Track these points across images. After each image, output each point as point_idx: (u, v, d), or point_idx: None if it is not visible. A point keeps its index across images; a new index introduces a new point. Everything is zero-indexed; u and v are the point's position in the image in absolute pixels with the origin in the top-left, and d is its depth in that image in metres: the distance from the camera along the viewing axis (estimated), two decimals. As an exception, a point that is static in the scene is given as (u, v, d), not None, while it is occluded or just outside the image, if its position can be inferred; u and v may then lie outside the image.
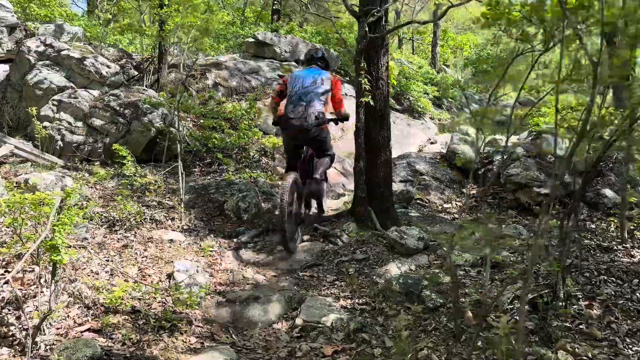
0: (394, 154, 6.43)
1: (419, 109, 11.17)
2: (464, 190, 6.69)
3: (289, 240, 4.20)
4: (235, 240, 4.60)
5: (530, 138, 6.74)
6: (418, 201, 6.21)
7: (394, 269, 3.90)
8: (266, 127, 7.99)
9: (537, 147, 5.97)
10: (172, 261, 3.84)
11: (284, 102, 4.64)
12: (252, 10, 18.42)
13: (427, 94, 12.25)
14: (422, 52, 19.97)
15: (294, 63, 10.33)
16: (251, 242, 4.61)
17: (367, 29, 4.59)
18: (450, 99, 12.99)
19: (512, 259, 3.80)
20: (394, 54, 16.12)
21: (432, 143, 8.73)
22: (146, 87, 7.75)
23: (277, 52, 10.28)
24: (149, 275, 3.62)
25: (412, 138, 9.72)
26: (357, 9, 4.87)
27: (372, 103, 4.63)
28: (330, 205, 6.11)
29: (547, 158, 5.80)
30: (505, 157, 6.68)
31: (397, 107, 11.30)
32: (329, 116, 4.59)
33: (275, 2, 14.30)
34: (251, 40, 10.46)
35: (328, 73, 4.72)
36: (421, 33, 19.34)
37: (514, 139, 9.64)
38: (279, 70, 9.82)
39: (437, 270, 3.77)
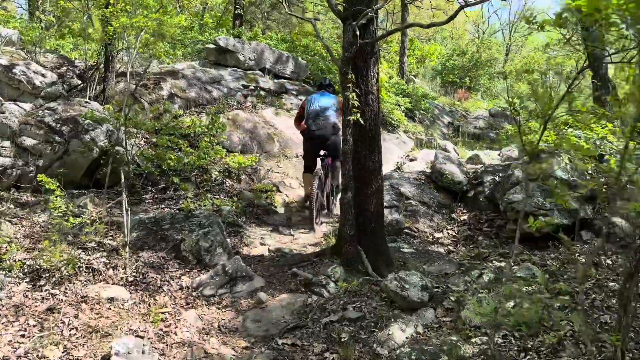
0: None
1: (393, 122, 10.50)
2: (454, 215, 6.00)
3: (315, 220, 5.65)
4: (195, 293, 3.69)
5: (522, 158, 6.12)
6: (407, 230, 5.47)
7: (398, 332, 3.10)
8: (230, 144, 7.09)
9: (538, 169, 5.34)
10: (109, 334, 2.90)
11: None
12: (212, 16, 17.41)
13: (399, 105, 11.63)
14: (387, 62, 19.48)
15: (259, 72, 9.47)
16: (216, 296, 3.70)
17: (357, 32, 3.80)
18: (422, 111, 12.42)
19: (544, 316, 3.07)
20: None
21: (411, 160, 8.04)
22: (90, 98, 6.70)
23: (240, 60, 9.39)
24: (77, 360, 2.68)
25: (388, 154, 9.00)
26: (341, 8, 4.06)
27: (361, 122, 3.83)
28: (308, 240, 5.28)
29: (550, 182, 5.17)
30: (499, 180, 6.05)
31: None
32: (338, 128, 5.63)
33: (237, 7, 13.36)
34: (212, 46, 9.53)
35: (335, 96, 6.09)
36: (388, 42, 18.84)
37: (493, 154, 9.12)
38: (243, 79, 8.94)
39: (453, 338, 2.98)
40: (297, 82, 9.99)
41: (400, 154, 9.16)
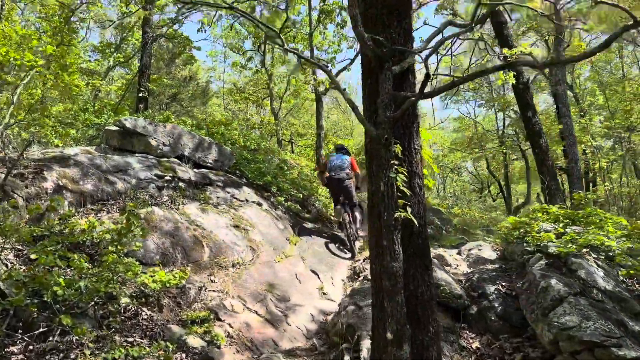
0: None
1: (332, 218, 9.18)
2: (462, 342, 4.54)
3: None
4: None
5: (531, 260, 4.97)
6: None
7: None
8: (145, 255, 5.14)
9: (576, 278, 4.16)
10: None
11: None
12: (103, 104, 15.23)
13: (329, 198, 10.43)
14: (300, 156, 18.63)
15: (176, 160, 7.73)
16: None
17: (391, 82, 2.42)
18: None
19: None
20: (285, 154, 14.40)
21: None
22: None
23: (152, 145, 7.61)
24: None
25: (337, 257, 7.53)
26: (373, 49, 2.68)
27: (414, 221, 2.34)
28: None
29: (594, 294, 3.99)
30: (507, 291, 4.80)
31: (305, 215, 9.16)
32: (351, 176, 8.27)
33: (141, 89, 11.68)
34: (114, 128, 7.66)
35: (348, 157, 8.56)
36: (302, 135, 18.17)
37: (453, 253, 8.05)
38: (156, 168, 7.11)
39: None
40: (221, 172, 8.36)
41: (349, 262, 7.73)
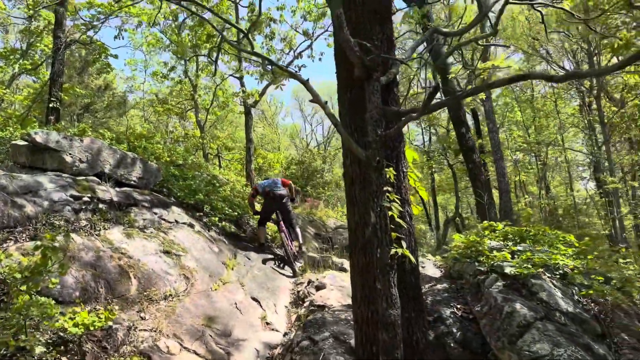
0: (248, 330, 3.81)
1: (269, 237, 8.73)
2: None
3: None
4: None
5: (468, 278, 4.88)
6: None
7: None
8: (62, 291, 4.42)
9: (538, 300, 4.08)
10: None
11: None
12: (8, 115, 13.64)
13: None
14: (229, 170, 17.98)
15: (95, 179, 6.92)
16: None
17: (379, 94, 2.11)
18: (289, 222, 10.95)
19: None
20: (212, 168, 13.68)
21: (318, 288, 6.26)
22: None
23: (67, 162, 6.76)
24: None
25: (277, 281, 7.10)
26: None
27: (411, 258, 2.03)
28: None
29: (557, 318, 3.92)
30: (464, 314, 4.66)
31: (241, 235, 8.64)
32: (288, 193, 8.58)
33: (52, 98, 10.52)
34: (22, 143, 6.72)
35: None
36: (229, 149, 17.51)
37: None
38: (72, 188, 6.28)
39: None
40: (147, 191, 7.63)
41: (290, 280, 7.33)
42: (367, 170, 2.09)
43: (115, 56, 22.13)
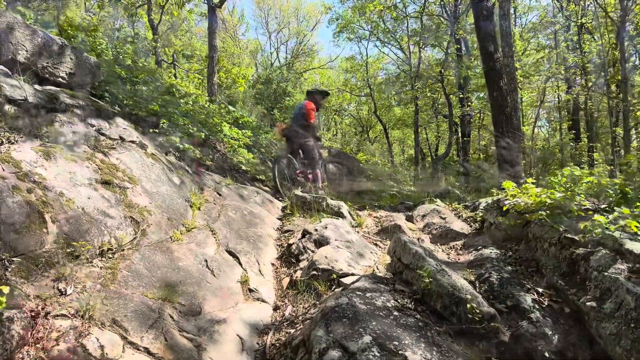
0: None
1: (243, 167, 6.90)
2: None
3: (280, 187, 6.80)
4: None
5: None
6: None
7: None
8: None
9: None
10: None
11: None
12: None
13: (237, 140, 8.09)
14: (188, 82, 15.52)
15: (3, 69, 4.76)
16: None
17: None
18: (263, 149, 9.08)
19: None
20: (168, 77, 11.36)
21: (317, 241, 4.64)
22: None
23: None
24: None
25: (259, 226, 5.39)
26: None
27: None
28: None
29: None
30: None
31: (207, 162, 6.75)
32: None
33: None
34: None
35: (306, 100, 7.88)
36: (188, 58, 14.98)
37: (401, 217, 6.37)
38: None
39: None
40: (81, 93, 5.53)
41: (275, 224, 5.68)
42: None
43: None
